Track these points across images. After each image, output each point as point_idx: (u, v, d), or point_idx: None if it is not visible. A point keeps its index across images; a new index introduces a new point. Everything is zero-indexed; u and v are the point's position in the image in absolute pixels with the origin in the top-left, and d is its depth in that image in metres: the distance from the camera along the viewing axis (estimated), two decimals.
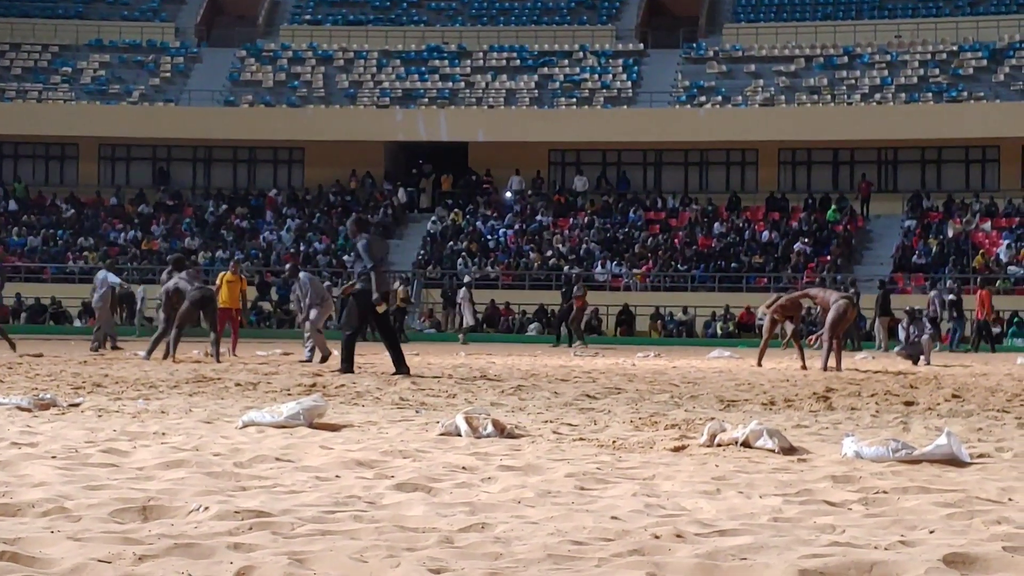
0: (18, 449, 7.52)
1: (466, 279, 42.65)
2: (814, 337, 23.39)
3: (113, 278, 26.56)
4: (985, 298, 36.77)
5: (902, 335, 25.88)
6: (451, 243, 50.48)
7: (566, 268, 45.41)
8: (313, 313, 22.03)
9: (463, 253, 49.64)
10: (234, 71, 56.15)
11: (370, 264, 17.03)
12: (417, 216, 53.56)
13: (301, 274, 22.97)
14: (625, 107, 53.15)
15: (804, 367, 21.02)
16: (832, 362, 20.94)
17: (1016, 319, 42.17)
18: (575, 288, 37.23)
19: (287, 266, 25.62)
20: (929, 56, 53.05)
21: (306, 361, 20.95)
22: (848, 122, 50.49)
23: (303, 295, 22.51)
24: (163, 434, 8.57)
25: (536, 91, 54.25)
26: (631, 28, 56.80)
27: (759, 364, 21.97)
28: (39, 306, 45.83)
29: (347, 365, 17.09)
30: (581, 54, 55.59)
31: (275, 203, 53.50)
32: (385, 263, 18.03)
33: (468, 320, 38.71)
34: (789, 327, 22.64)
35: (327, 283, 33.98)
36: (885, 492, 6.36)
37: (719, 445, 8.12)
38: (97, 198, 54.11)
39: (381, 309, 17.29)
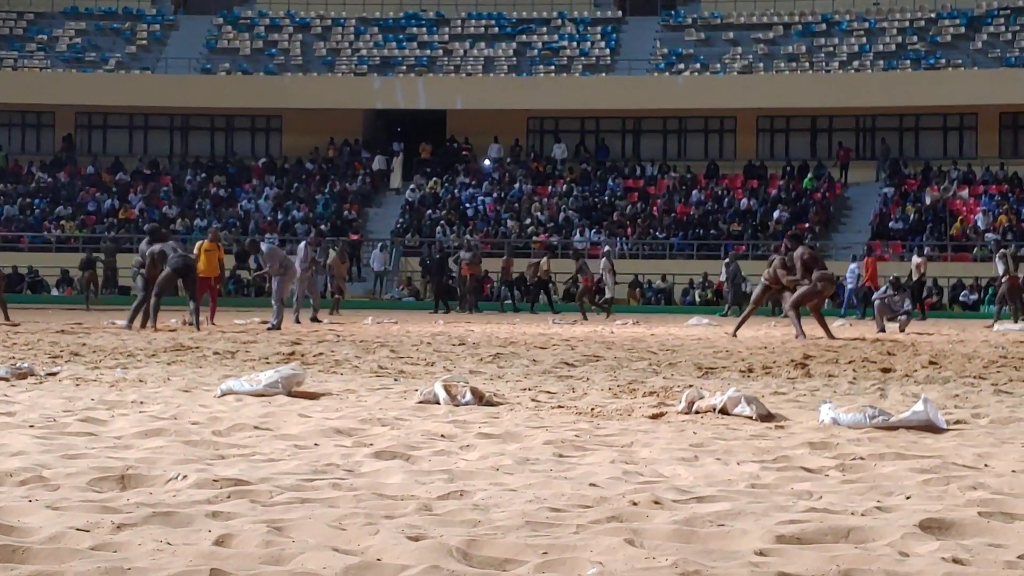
0: None
1: (606, 248, 39.26)
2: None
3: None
4: (870, 265, 37.08)
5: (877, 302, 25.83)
6: (430, 211, 50.39)
7: (468, 233, 44.60)
8: (275, 283, 22.63)
9: (442, 222, 49.56)
10: (211, 39, 55.83)
11: None
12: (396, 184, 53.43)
13: (263, 245, 23.68)
14: (604, 75, 53.05)
15: (800, 335, 20.36)
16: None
17: (992, 287, 42.29)
18: (470, 255, 37.74)
19: (247, 240, 25.94)
20: (907, 23, 53.03)
21: (273, 327, 21.41)
22: (826, 90, 50.48)
23: (264, 266, 23.39)
24: (141, 403, 8.56)
25: (514, 58, 54.09)
26: None
27: (734, 335, 20.94)
28: (16, 275, 45.61)
29: None
30: (559, 21, 55.41)
31: (260, 171, 53.22)
32: None
33: (608, 292, 35.45)
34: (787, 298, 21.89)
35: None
36: (862, 458, 6.39)
37: (697, 412, 8.15)
38: (74, 167, 53.82)
39: None
